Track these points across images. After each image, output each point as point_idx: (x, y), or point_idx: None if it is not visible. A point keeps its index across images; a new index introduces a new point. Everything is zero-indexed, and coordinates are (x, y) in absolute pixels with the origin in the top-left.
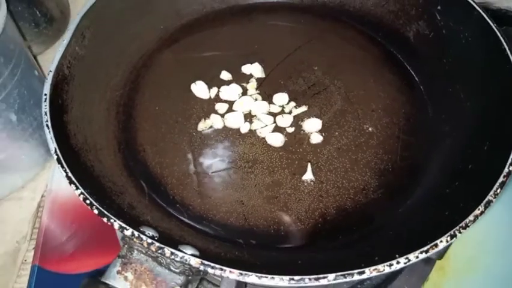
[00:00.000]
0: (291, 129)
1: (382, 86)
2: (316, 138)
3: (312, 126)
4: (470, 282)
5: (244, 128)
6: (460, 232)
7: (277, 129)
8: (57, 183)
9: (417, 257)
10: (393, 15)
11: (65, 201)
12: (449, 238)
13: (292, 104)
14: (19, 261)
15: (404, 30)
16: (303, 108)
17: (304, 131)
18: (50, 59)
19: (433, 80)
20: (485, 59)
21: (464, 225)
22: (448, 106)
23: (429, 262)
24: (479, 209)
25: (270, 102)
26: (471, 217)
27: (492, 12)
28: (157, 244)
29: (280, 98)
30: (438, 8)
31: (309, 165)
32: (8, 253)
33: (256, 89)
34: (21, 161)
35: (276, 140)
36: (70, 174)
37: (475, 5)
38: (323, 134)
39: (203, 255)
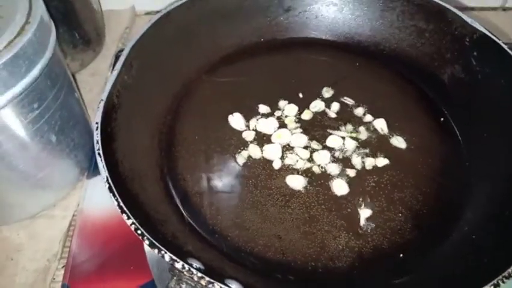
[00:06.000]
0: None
1: (417, 126)
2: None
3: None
4: None
5: (277, 163)
6: (503, 282)
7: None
8: (88, 203)
9: None
10: (428, 58)
11: (96, 221)
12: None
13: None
14: (49, 280)
15: (439, 72)
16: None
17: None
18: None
19: (469, 123)
20: None
21: (507, 274)
22: (483, 150)
23: None
24: None
25: (308, 136)
26: None
27: None
28: (207, 278)
29: (335, 141)
30: (474, 53)
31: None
32: (38, 270)
33: (295, 122)
34: (56, 180)
35: (298, 183)
36: (121, 203)
37: (511, 53)
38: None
39: None
